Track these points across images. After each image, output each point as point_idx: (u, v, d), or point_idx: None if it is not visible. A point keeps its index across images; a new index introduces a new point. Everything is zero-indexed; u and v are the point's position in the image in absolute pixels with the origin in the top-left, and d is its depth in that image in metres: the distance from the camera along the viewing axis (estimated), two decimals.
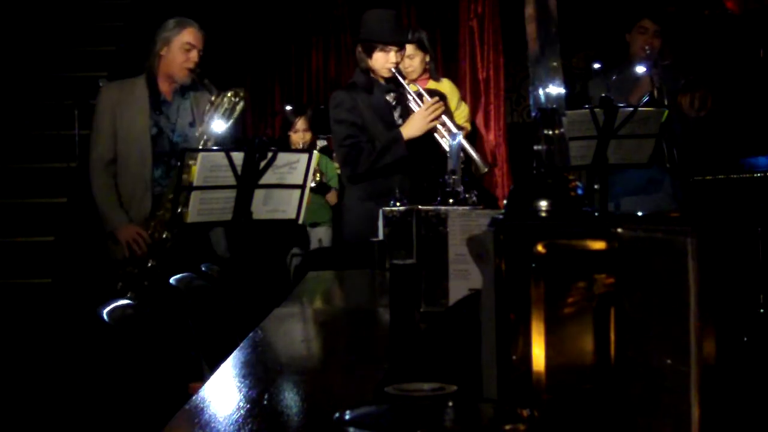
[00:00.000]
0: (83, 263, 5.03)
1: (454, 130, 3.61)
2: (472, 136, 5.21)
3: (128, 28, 6.51)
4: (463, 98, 5.51)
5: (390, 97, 3.80)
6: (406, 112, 3.77)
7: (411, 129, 3.65)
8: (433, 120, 3.63)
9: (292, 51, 7.32)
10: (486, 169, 3.74)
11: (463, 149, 3.45)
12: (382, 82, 3.78)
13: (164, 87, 3.82)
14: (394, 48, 3.70)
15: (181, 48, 3.74)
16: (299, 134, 5.14)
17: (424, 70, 4.61)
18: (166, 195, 3.59)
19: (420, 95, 3.78)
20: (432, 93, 3.88)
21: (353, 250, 3.69)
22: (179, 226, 3.34)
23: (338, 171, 5.49)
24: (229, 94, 3.67)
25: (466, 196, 2.82)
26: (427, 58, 4.61)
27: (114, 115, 3.75)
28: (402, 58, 3.83)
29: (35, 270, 5.26)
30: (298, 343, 2.04)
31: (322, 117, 5.76)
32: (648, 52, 4.08)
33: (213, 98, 3.65)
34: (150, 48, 3.80)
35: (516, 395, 0.93)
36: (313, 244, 5.20)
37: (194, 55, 3.76)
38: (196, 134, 3.72)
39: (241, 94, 3.70)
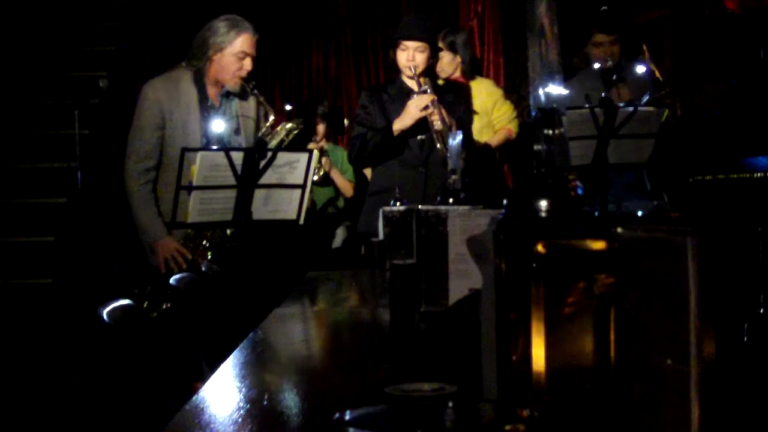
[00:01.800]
0: (83, 263, 5.03)
1: (447, 120, 3.70)
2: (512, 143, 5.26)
3: (128, 28, 6.51)
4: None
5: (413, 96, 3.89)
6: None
7: (403, 118, 3.77)
8: (423, 109, 3.71)
9: (292, 51, 7.32)
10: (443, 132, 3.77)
11: (443, 142, 3.58)
12: (406, 80, 3.90)
13: (211, 91, 3.61)
14: (411, 46, 3.80)
15: (235, 56, 3.54)
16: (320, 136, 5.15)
17: (455, 70, 4.75)
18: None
19: (423, 88, 3.84)
20: (451, 87, 4.09)
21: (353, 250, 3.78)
22: (179, 227, 3.31)
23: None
24: (288, 126, 3.57)
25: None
26: (458, 59, 4.78)
27: (164, 116, 3.51)
28: (427, 58, 3.89)
29: (35, 270, 5.26)
30: (298, 343, 2.04)
31: (334, 114, 5.76)
32: (610, 62, 4.16)
33: (272, 123, 3.56)
34: (200, 49, 3.57)
35: (516, 395, 0.93)
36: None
37: (248, 63, 3.56)
38: (243, 144, 3.59)
39: (301, 126, 3.61)
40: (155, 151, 3.51)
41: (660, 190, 4.12)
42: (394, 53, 3.90)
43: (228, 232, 3.47)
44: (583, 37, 4.44)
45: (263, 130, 3.60)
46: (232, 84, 3.58)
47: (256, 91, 3.58)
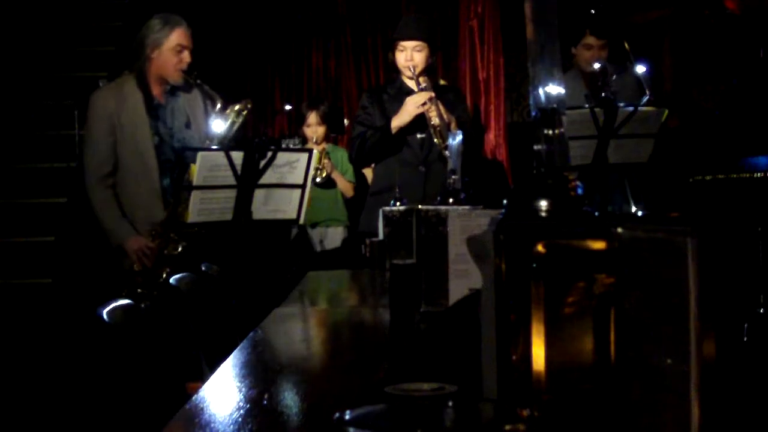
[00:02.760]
0: (83, 263, 5.03)
1: (445, 116, 3.72)
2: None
3: (128, 28, 6.51)
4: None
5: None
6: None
7: (401, 115, 3.82)
8: (420, 106, 3.73)
9: (292, 51, 7.32)
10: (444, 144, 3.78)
11: (441, 136, 3.61)
12: (406, 81, 3.94)
13: (156, 90, 3.66)
14: (409, 46, 3.83)
15: (172, 50, 3.60)
16: (312, 128, 5.09)
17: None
18: (175, 205, 3.45)
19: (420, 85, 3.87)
20: (451, 87, 4.11)
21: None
22: (179, 227, 3.32)
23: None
24: (237, 107, 3.59)
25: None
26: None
27: (112, 124, 3.57)
28: (426, 57, 3.91)
29: (35, 270, 5.26)
30: (298, 343, 2.04)
31: (334, 114, 5.75)
32: (597, 66, 4.16)
33: (219, 109, 3.57)
34: (138, 50, 3.64)
35: (516, 395, 0.93)
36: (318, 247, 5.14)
37: (186, 55, 3.63)
38: (195, 136, 3.65)
39: (249, 106, 3.64)
40: (110, 157, 3.57)
41: (641, 194, 4.14)
42: (393, 54, 3.93)
43: (179, 247, 3.52)
44: (573, 37, 4.43)
45: (212, 116, 3.63)
46: (175, 78, 3.64)
47: (198, 81, 3.62)
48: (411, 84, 3.87)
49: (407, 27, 3.96)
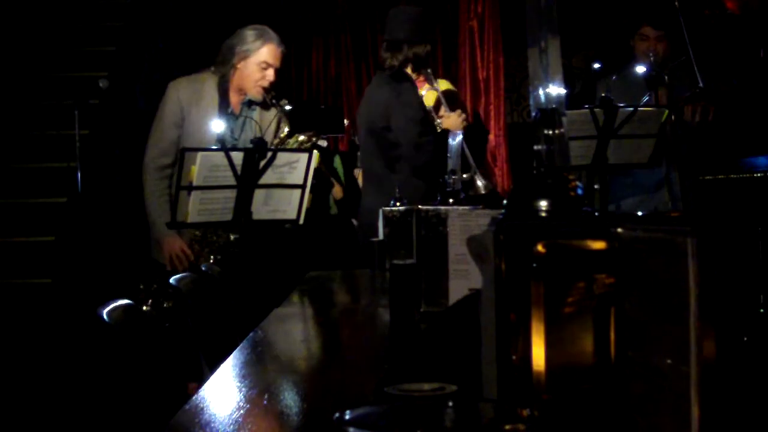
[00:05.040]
0: (83, 263, 5.03)
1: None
2: (481, 138, 5.26)
3: (128, 28, 6.51)
4: (463, 98, 5.54)
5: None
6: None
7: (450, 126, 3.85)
8: (462, 128, 3.75)
9: (292, 51, 7.32)
10: (485, 191, 3.79)
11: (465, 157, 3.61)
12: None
13: (233, 98, 3.63)
14: (427, 45, 3.86)
15: (258, 65, 3.57)
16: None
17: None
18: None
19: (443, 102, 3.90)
20: (449, 95, 4.08)
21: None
22: (180, 227, 3.31)
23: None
24: (300, 138, 3.55)
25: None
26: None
27: (182, 116, 3.55)
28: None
29: (35, 270, 5.26)
30: (298, 343, 2.04)
31: (325, 117, 5.74)
32: (652, 58, 4.07)
33: (285, 136, 3.53)
34: (226, 55, 3.60)
35: (516, 395, 0.93)
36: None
37: (271, 73, 3.59)
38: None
39: (314, 139, 3.59)
40: (172, 148, 3.52)
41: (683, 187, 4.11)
42: (413, 50, 3.88)
43: (231, 237, 3.47)
44: (630, 29, 4.32)
45: (275, 140, 3.58)
46: (254, 93, 3.61)
47: (275, 101, 3.58)
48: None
49: (426, 28, 3.96)
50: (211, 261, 3.46)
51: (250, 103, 3.66)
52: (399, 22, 3.97)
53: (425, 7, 4.33)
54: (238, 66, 3.59)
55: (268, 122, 3.68)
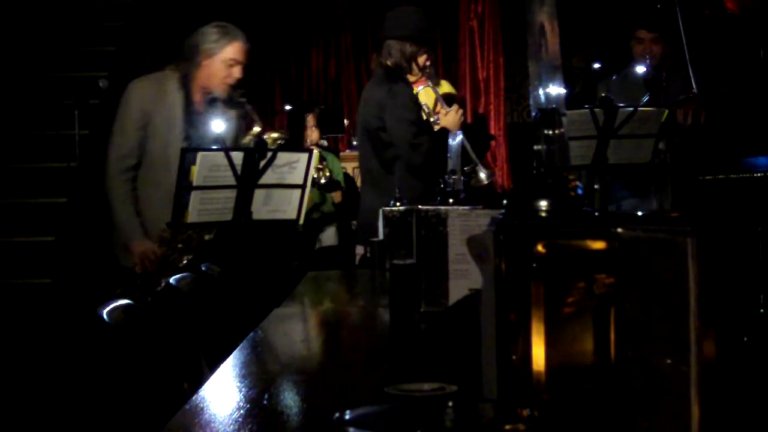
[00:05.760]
0: (83, 263, 5.03)
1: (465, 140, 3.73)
2: (484, 140, 5.22)
3: (128, 28, 6.51)
4: (463, 98, 5.54)
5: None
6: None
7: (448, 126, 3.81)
8: (459, 126, 3.73)
9: (292, 51, 7.32)
10: (488, 181, 3.78)
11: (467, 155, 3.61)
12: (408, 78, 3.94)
13: (197, 96, 3.57)
14: (426, 47, 3.83)
15: (225, 62, 3.51)
16: (307, 131, 5.12)
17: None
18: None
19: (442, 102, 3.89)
20: (448, 98, 4.07)
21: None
22: (180, 227, 3.30)
23: (343, 169, 5.50)
24: (274, 135, 3.52)
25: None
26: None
27: (147, 116, 3.47)
28: (430, 58, 3.91)
29: (35, 270, 5.26)
30: (298, 343, 2.04)
31: (325, 117, 5.75)
32: (648, 60, 4.10)
33: (257, 133, 3.49)
34: (188, 53, 3.53)
35: (516, 395, 0.93)
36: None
37: (237, 70, 3.53)
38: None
39: (286, 137, 3.55)
40: (136, 150, 3.47)
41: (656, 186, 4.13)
42: (415, 51, 3.86)
43: (206, 237, 3.45)
44: (627, 33, 4.34)
45: (247, 138, 3.54)
46: (220, 91, 3.55)
47: (243, 100, 3.54)
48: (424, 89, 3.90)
49: (430, 28, 3.95)
50: (184, 262, 3.44)
51: (212, 101, 3.60)
52: (395, 21, 3.96)
53: (425, 8, 4.31)
54: (203, 64, 3.53)
55: (231, 119, 3.65)
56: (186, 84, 3.54)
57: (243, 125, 3.69)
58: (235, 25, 3.63)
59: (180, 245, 3.47)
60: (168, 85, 3.53)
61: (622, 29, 4.42)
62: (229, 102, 3.61)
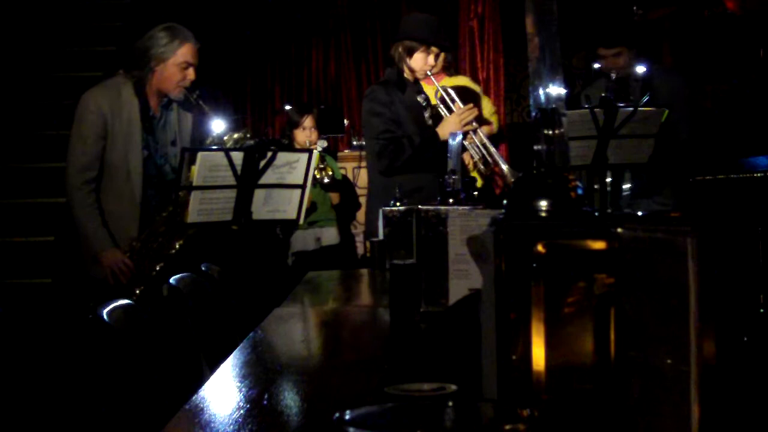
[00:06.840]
0: (83, 263, 5.03)
1: (485, 139, 3.68)
2: (499, 136, 5.15)
3: (128, 28, 6.51)
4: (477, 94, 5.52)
5: (421, 98, 3.87)
6: (437, 114, 3.83)
7: (444, 131, 3.68)
8: (466, 124, 3.68)
9: (292, 51, 7.32)
10: (513, 179, 3.76)
11: (489, 154, 3.58)
12: (412, 82, 3.88)
13: (152, 101, 3.52)
14: (435, 50, 3.79)
15: (178, 66, 3.46)
16: (306, 132, 5.09)
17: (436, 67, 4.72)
18: (158, 225, 3.38)
19: (451, 97, 3.82)
20: (465, 92, 4.00)
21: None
22: (180, 227, 3.30)
23: (342, 171, 5.50)
24: (235, 136, 3.47)
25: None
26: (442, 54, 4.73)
27: (105, 127, 3.41)
28: (439, 61, 3.89)
29: (35, 270, 5.26)
30: (298, 343, 2.04)
31: (325, 117, 5.74)
32: (614, 75, 4.14)
33: (218, 134, 3.45)
34: (140, 59, 3.48)
35: (516, 395, 0.93)
36: (313, 246, 5.15)
37: (191, 72, 3.49)
38: (178, 154, 3.46)
39: (248, 135, 3.50)
40: (96, 161, 3.42)
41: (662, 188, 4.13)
42: (408, 54, 3.81)
43: (177, 245, 3.42)
44: (593, 50, 4.40)
45: (209, 140, 3.51)
46: (176, 94, 3.51)
47: (200, 101, 3.49)
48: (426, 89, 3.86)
49: (439, 32, 3.91)
50: (157, 270, 3.39)
51: (167, 104, 3.57)
52: (406, 24, 3.98)
53: (425, 8, 4.30)
54: (156, 69, 3.48)
55: (188, 121, 3.63)
56: (141, 90, 3.49)
57: (200, 126, 3.65)
58: (184, 26, 3.58)
59: (151, 254, 3.42)
60: (123, 92, 3.48)
61: (586, 48, 4.47)
62: (185, 104, 3.58)
